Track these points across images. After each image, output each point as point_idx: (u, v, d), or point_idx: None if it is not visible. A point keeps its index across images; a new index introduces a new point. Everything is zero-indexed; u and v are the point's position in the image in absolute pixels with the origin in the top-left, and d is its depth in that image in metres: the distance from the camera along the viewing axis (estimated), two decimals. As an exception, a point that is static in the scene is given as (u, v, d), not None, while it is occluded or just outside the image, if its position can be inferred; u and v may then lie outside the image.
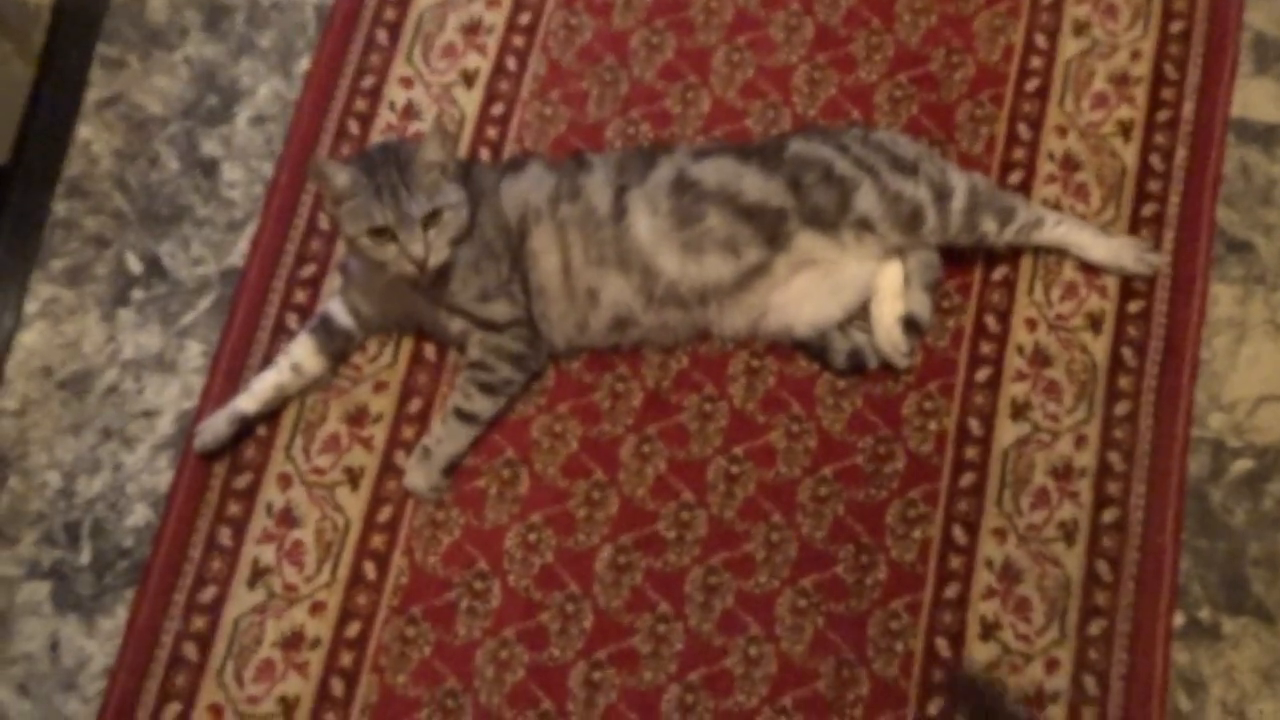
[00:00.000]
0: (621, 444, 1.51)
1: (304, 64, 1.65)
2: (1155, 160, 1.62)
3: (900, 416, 1.52)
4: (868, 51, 1.66)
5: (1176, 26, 1.67)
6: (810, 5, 1.68)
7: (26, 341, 1.53)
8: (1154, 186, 1.61)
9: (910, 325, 1.51)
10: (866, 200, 1.45)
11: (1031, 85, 1.65)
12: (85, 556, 1.46)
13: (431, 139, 1.34)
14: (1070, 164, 1.62)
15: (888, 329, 1.49)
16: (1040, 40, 1.67)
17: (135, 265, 1.57)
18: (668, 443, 1.51)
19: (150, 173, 1.60)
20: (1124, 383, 1.54)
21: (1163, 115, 1.63)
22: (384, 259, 1.34)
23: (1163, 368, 1.54)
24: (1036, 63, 1.66)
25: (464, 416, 1.46)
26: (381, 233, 1.32)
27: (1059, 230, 1.53)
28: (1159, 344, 1.55)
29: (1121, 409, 1.53)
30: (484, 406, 1.46)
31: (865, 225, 1.45)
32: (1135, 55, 1.66)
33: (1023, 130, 1.63)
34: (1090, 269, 1.57)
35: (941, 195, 1.46)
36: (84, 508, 1.48)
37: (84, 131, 1.61)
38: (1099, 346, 1.55)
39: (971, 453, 1.51)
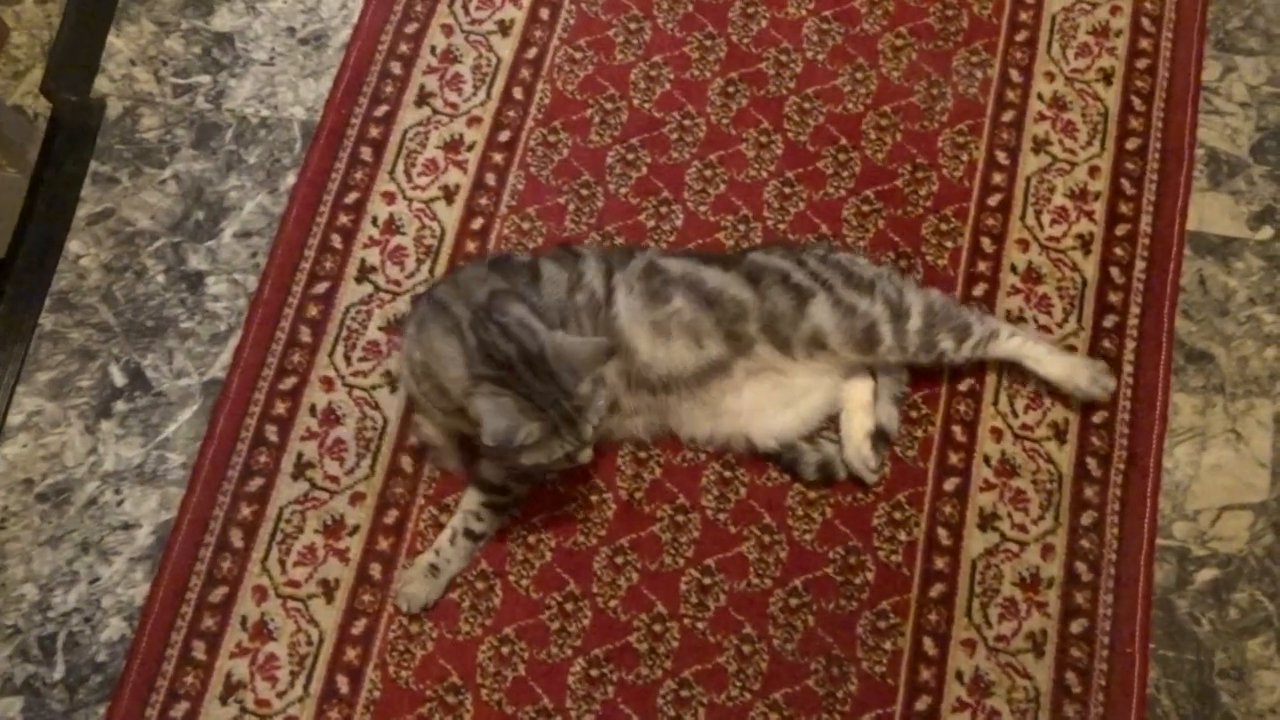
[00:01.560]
0: (595, 555, 1.52)
1: (290, 180, 1.69)
2: (1115, 273, 1.66)
3: (870, 527, 1.54)
4: (835, 168, 1.71)
5: (1132, 143, 1.73)
6: (780, 124, 1.73)
7: (8, 454, 1.55)
8: (1114, 298, 1.65)
9: (879, 439, 1.53)
10: (820, 311, 1.47)
11: (994, 200, 1.70)
12: (59, 671, 1.46)
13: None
14: (1032, 277, 1.66)
15: (857, 445, 1.51)
16: (1001, 157, 1.72)
17: (119, 377, 1.60)
18: (641, 554, 1.52)
19: (137, 286, 1.64)
20: (1089, 492, 1.56)
21: (1121, 229, 1.68)
22: (549, 461, 1.34)
23: (1126, 477, 1.56)
24: (998, 179, 1.71)
25: (475, 537, 1.49)
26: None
27: (1013, 343, 1.55)
28: (1122, 453, 1.58)
29: (1087, 519, 1.55)
30: (493, 525, 1.50)
31: (819, 341, 1.47)
32: (1093, 171, 1.71)
33: (986, 244, 1.68)
34: (1054, 380, 1.60)
35: (898, 315, 1.49)
36: (59, 621, 1.48)
37: (74, 245, 1.65)
38: (1063, 456, 1.57)
39: (941, 563, 1.53)
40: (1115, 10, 1.81)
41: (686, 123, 1.73)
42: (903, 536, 1.54)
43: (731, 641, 1.49)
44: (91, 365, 1.60)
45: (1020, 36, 1.79)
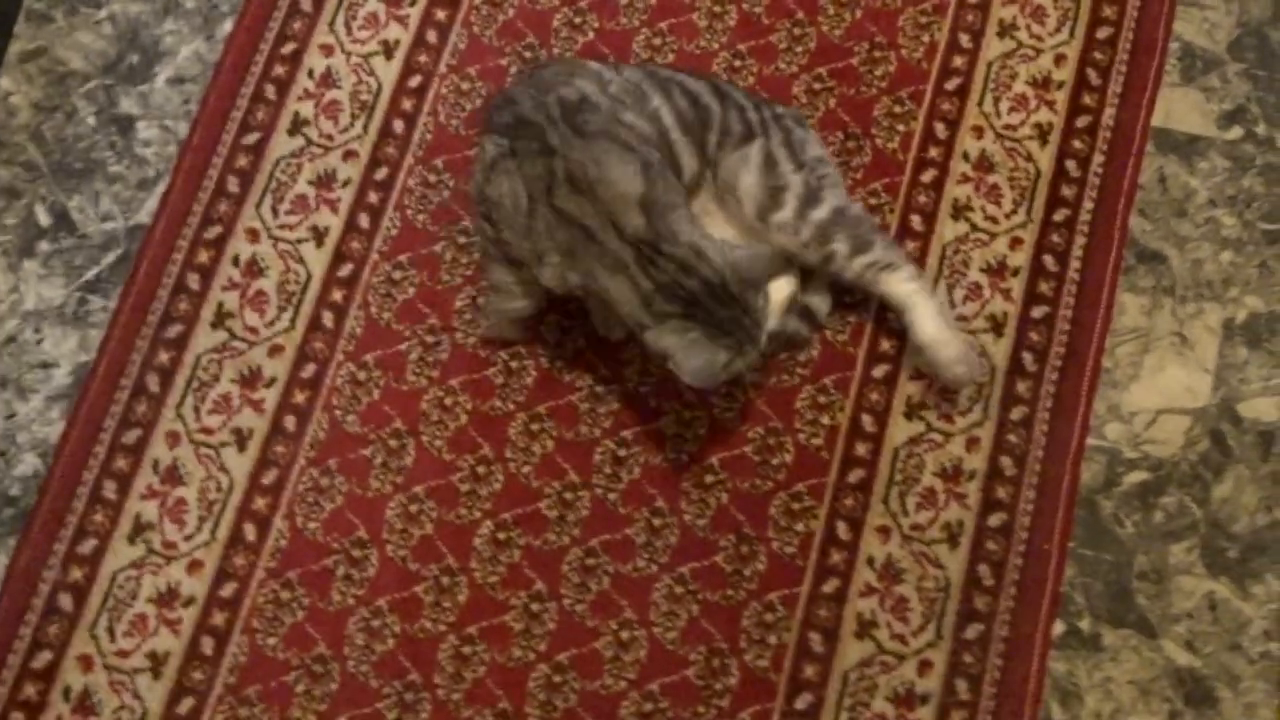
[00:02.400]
0: (511, 421, 1.51)
1: (227, 26, 1.65)
2: (1071, 165, 1.60)
3: (793, 409, 1.51)
4: (789, 42, 1.65)
5: (1103, 33, 1.65)
6: (736, -6, 1.67)
7: (-72, 287, 1.55)
8: (1068, 192, 1.59)
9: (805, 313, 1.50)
10: (754, 153, 1.43)
11: (952, 84, 1.64)
12: (-30, 502, 1.48)
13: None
14: (984, 165, 1.60)
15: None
16: (964, 40, 1.65)
17: (44, 218, 1.58)
18: (558, 421, 1.51)
19: (66, 127, 1.61)
20: (1021, 387, 1.52)
21: (1082, 121, 1.62)
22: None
23: (1062, 374, 1.53)
24: (959, 62, 1.64)
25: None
26: None
27: (908, 286, 1.44)
28: (1060, 350, 1.53)
29: (1017, 414, 1.51)
30: None
31: (731, 183, 1.42)
32: (1059, 60, 1.64)
33: (940, 129, 1.62)
34: (995, 272, 1.55)
35: (810, 198, 1.43)
36: (-27, 454, 1.49)
37: (4, 83, 1.63)
38: (999, 349, 1.53)
39: (862, 449, 1.50)
40: (1097, -105, 1.72)
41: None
42: (825, 420, 1.51)
43: (642, 514, 1.48)
44: (17, 204, 1.58)
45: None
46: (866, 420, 1.51)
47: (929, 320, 1.44)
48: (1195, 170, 1.62)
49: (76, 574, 1.45)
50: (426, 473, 1.49)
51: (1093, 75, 1.64)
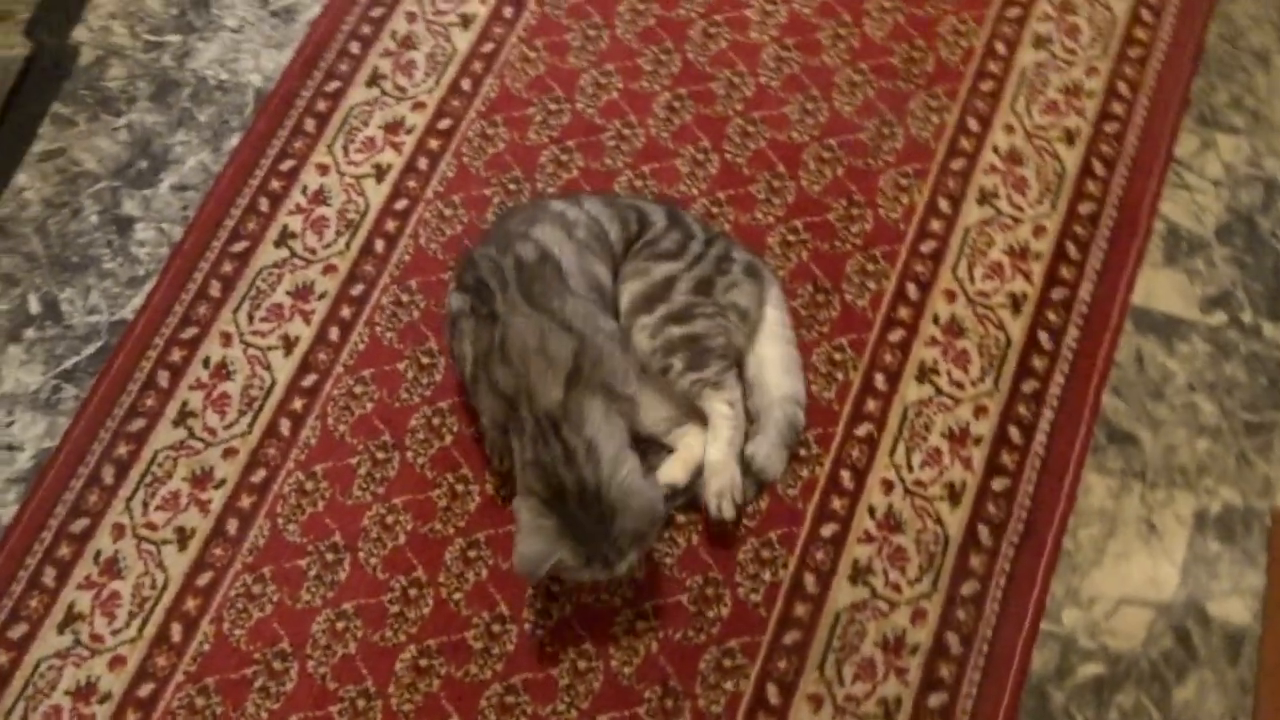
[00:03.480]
0: (449, 545, 1.51)
1: (234, 141, 1.76)
2: (1044, 337, 1.59)
3: (734, 561, 1.49)
4: (768, 194, 1.69)
5: (1086, 208, 1.66)
6: (719, 143, 1.72)
7: (-83, 363, 1.63)
8: (1039, 364, 1.58)
9: (671, 496, 1.48)
10: (661, 271, 1.46)
11: (927, 247, 1.65)
12: (-84, 575, 1.51)
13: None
14: (954, 330, 1.60)
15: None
16: (943, 204, 1.67)
17: (35, 305, 1.67)
18: (495, 550, 1.50)
19: (70, 223, 1.71)
20: (975, 561, 1.48)
21: (1058, 293, 1.61)
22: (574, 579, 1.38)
23: (1019, 551, 1.48)
24: (936, 225, 1.66)
25: None
26: None
27: (721, 409, 1.45)
28: (1019, 525, 1.50)
29: (968, 588, 1.47)
30: None
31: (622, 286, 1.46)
32: (1038, 230, 1.65)
33: (911, 290, 1.63)
34: (957, 439, 1.53)
35: (676, 318, 1.44)
36: (-72, 528, 1.54)
37: (21, 178, 1.74)
38: (955, 519, 1.50)
39: (801, 610, 1.46)
40: (1091, 71, 1.75)
41: (626, 131, 1.74)
42: (767, 576, 1.48)
43: (569, 655, 1.45)
44: (12, 291, 1.67)
45: (985, 86, 1.75)
46: (809, 580, 1.48)
47: (720, 446, 1.46)
48: (1175, 353, 1.59)
49: (1, 658, 1.47)
50: (358, 590, 1.49)
51: (1072, 249, 1.64)
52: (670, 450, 1.51)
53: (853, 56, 1.77)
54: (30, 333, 1.65)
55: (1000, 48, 1.77)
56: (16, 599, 1.50)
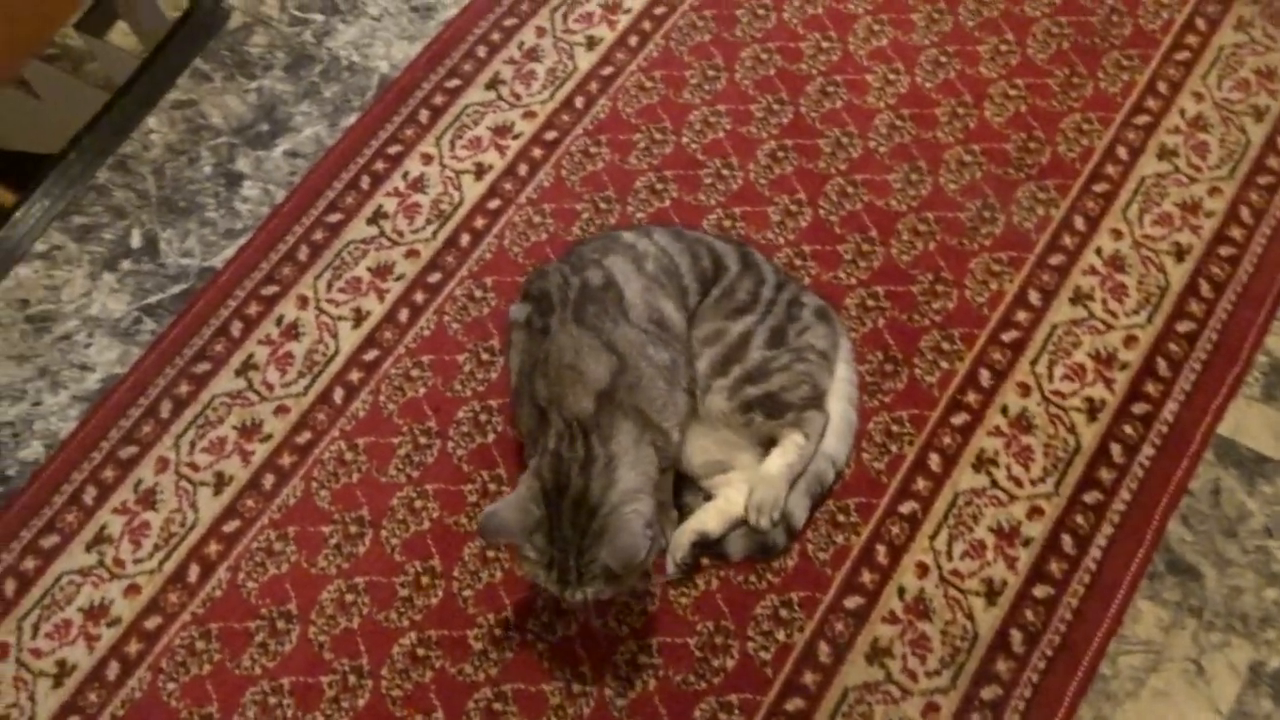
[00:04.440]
0: (466, 543, 1.52)
1: (350, 120, 1.84)
2: (1116, 450, 1.53)
3: (749, 614, 1.45)
4: (855, 255, 1.68)
5: (1184, 326, 1.60)
6: (815, 198, 1.72)
7: (21, 273, 1.74)
8: (1105, 475, 1.51)
9: (700, 544, 1.47)
10: (735, 331, 1.46)
11: (1009, 336, 1.61)
12: (-30, 468, 1.60)
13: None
14: (1022, 424, 1.55)
15: (680, 535, 1.47)
16: (1033, 297, 1.64)
17: (136, 241, 1.76)
18: (513, 555, 1.50)
19: (186, 170, 1.81)
20: (1001, 667, 1.41)
21: (1139, 408, 1.55)
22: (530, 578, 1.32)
23: (1050, 665, 1.41)
24: (1022, 316, 1.62)
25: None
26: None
27: (792, 436, 1.46)
28: (1055, 638, 1.43)
29: (989, 693, 1.40)
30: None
31: (700, 346, 1.46)
32: (1129, 340, 1.60)
33: (984, 376, 1.59)
34: (1005, 536, 1.48)
35: (751, 378, 1.44)
36: (-7, 427, 1.63)
37: (152, 121, 1.85)
38: (987, 618, 1.44)
39: (809, 679, 1.42)
40: (1214, 191, 1.70)
41: (725, 172, 1.76)
42: (780, 636, 1.44)
43: (564, 674, 1.43)
44: (119, 223, 1.77)
45: (1099, 187, 1.71)
46: (823, 649, 1.43)
47: (779, 462, 1.46)
48: (1256, 492, 1.51)
49: (29, 564, 1.53)
50: (373, 567, 1.51)
51: (1162, 365, 1.58)
52: (708, 496, 1.50)
53: (967, 137, 1.76)
54: (126, 264, 1.74)
55: (1122, 152, 1.74)
56: (55, 510, 1.56)
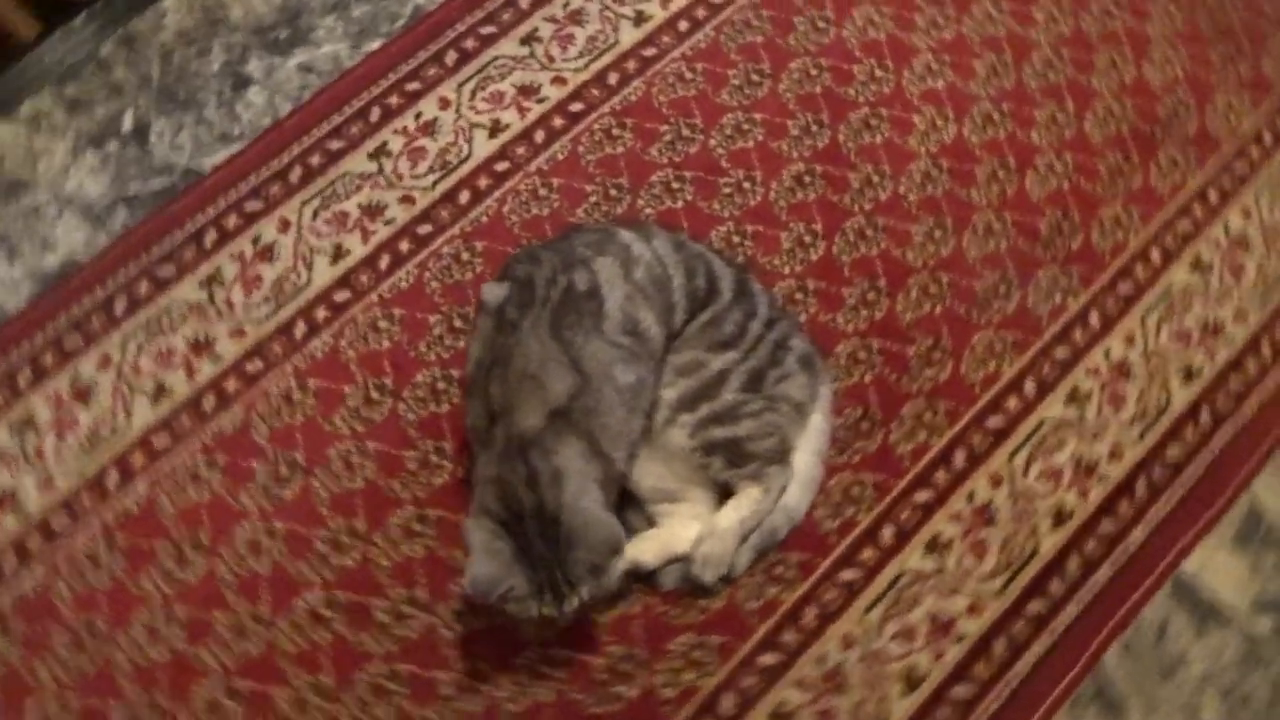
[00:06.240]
0: (395, 510, 1.49)
1: (374, 45, 1.78)
2: (1073, 564, 1.50)
3: (664, 648, 1.43)
4: (859, 302, 1.64)
5: (1174, 452, 1.56)
6: (831, 234, 1.68)
7: (2, 132, 1.69)
8: (1055, 588, 1.48)
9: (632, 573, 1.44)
10: (712, 368, 1.41)
11: (993, 421, 1.57)
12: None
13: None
14: (984, 516, 1.52)
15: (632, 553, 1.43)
16: (1029, 387, 1.59)
17: (128, 124, 1.72)
18: (441, 534, 1.48)
19: (194, 61, 1.76)
20: (904, 758, 1.39)
21: (1107, 525, 1.52)
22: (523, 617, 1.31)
23: (953, 768, 1.39)
24: (1012, 404, 1.58)
25: None
26: None
27: (750, 490, 1.43)
28: (964, 743, 1.40)
29: (885, 782, 1.38)
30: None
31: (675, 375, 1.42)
32: (1115, 453, 1.56)
33: (959, 458, 1.55)
34: (940, 627, 1.45)
35: (719, 419, 1.40)
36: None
37: (168, 2, 1.79)
38: (901, 706, 1.42)
39: (708, 727, 1.40)
40: (1240, 317, 1.65)
41: (746, 185, 1.70)
42: (688, 677, 1.42)
43: (459, 667, 1.41)
44: (114, 101, 1.73)
45: (1124, 287, 1.66)
46: (727, 702, 1.41)
47: (733, 516, 1.43)
48: (1203, 640, 1.48)
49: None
50: (296, 515, 1.49)
51: (1141, 487, 1.54)
52: (650, 521, 1.47)
53: (1001, 203, 1.70)
54: (112, 146, 1.70)
55: (1156, 255, 1.68)
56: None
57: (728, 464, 1.42)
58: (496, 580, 1.25)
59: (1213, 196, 1.73)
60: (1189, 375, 1.61)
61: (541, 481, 1.25)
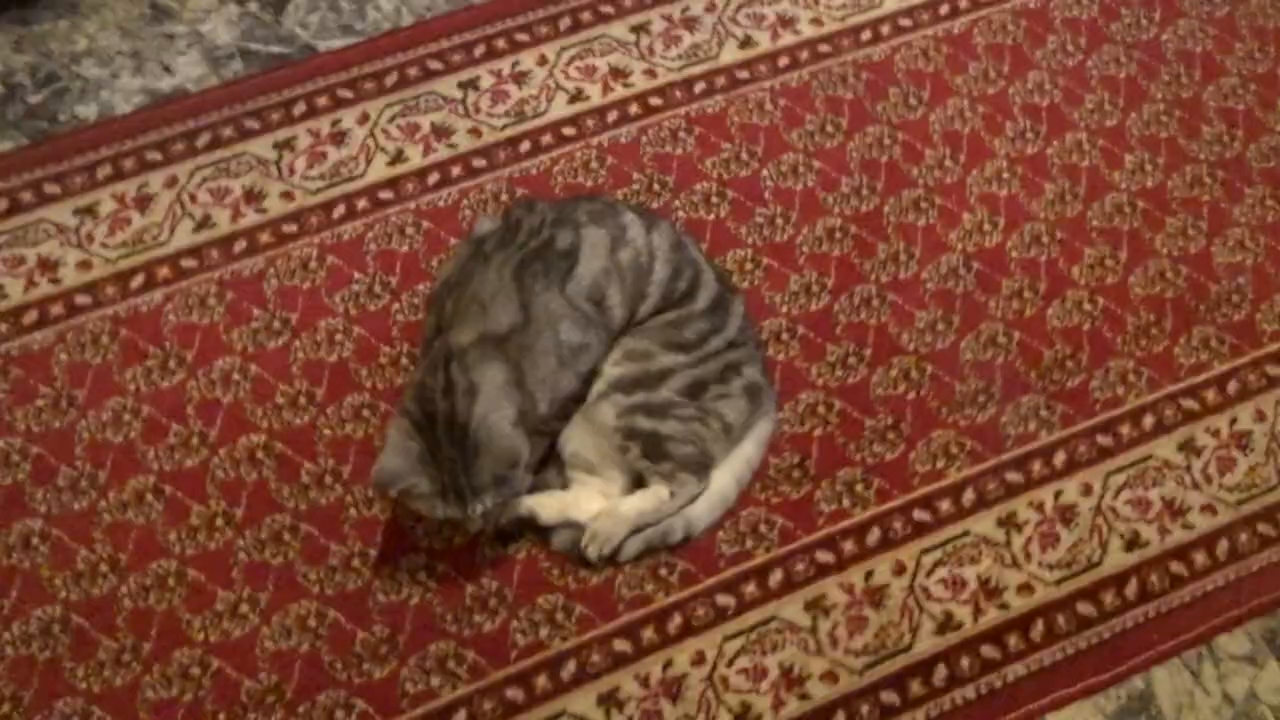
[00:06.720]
0: (353, 392, 1.63)
1: (499, -8, 1.94)
2: (939, 672, 1.50)
3: (532, 603, 1.52)
4: (839, 362, 1.68)
5: (1085, 609, 1.54)
6: (838, 293, 1.72)
7: (170, -35, 1.92)
8: (916, 688, 1.49)
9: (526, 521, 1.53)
10: (659, 363, 1.49)
11: (920, 515, 1.59)
12: None
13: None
14: (874, 597, 1.54)
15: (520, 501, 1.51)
16: (967, 496, 1.60)
17: (273, -9, 1.92)
18: (381, 423, 1.61)
19: (349, -46, 1.95)
20: (705, 782, 1.44)
21: (988, 651, 1.51)
22: (430, 515, 1.42)
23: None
24: (944, 506, 1.60)
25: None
26: None
27: (659, 488, 1.51)
28: (766, 792, 1.44)
29: (678, 796, 1.43)
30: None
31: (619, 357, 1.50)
32: (1024, 588, 1.55)
33: (873, 534, 1.58)
34: (791, 679, 1.49)
35: (650, 411, 1.48)
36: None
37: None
38: (722, 735, 1.47)
39: (542, 681, 1.48)
40: (1208, 509, 1.61)
41: (780, 221, 1.77)
42: (542, 633, 1.50)
43: (349, 548, 1.54)
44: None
45: (1104, 440, 1.64)
46: (569, 667, 1.49)
47: (635, 505, 1.51)
48: (1203, 687, 1.48)
49: (27, 196, 1.74)
50: (270, 365, 1.65)
51: (1038, 629, 1.52)
52: (564, 485, 1.56)
53: (1014, 321, 1.72)
54: (253, 6, 1.92)
55: (1148, 423, 1.66)
56: (64, 171, 1.76)
57: (644, 455, 1.49)
58: (400, 475, 1.37)
59: (1232, 388, 1.70)
60: (1132, 544, 1.59)
61: (456, 392, 1.35)
